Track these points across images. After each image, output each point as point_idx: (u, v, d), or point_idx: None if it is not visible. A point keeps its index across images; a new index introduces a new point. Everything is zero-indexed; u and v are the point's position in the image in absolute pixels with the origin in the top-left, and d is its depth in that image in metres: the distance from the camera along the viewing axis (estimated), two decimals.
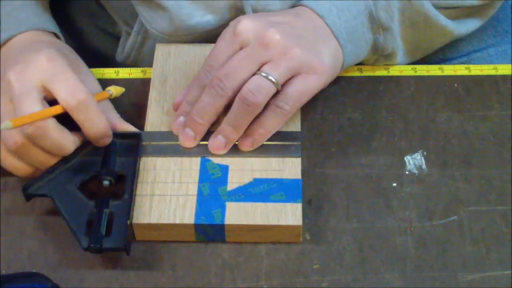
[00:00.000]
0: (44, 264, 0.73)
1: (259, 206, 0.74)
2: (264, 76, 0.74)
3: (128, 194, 0.74)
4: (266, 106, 0.75)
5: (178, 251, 0.74)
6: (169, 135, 0.79)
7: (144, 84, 0.85)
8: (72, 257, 0.74)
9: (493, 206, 0.77)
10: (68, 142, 0.74)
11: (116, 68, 0.88)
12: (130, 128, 0.79)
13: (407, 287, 0.72)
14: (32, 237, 0.75)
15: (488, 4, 0.89)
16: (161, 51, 0.86)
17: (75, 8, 1.04)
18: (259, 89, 0.74)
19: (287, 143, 0.78)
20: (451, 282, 0.72)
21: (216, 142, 0.77)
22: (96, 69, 0.87)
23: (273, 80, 0.74)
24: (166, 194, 0.75)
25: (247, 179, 0.76)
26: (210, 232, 0.74)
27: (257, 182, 0.75)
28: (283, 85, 0.75)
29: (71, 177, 0.75)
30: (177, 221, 0.73)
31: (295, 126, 0.80)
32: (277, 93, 0.75)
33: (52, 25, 0.86)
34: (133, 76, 0.87)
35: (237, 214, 0.73)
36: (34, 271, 0.72)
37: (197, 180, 0.76)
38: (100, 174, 0.75)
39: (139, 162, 0.77)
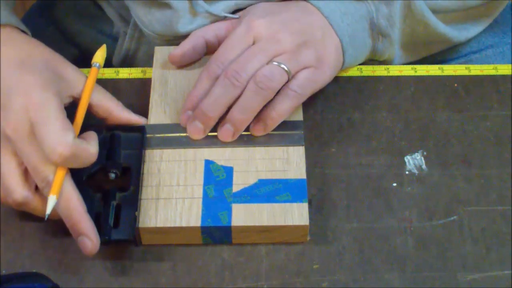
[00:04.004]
0: (44, 264, 0.73)
1: (265, 207, 0.74)
2: (277, 64, 0.76)
3: (134, 185, 0.74)
4: (278, 92, 0.77)
5: (178, 251, 0.74)
6: (173, 127, 0.79)
7: (144, 84, 0.85)
8: (72, 257, 0.74)
9: (493, 206, 0.77)
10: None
11: (116, 68, 0.88)
12: (131, 116, 0.79)
13: (407, 287, 0.72)
14: (32, 237, 0.75)
15: (487, 10, 0.90)
16: (160, 54, 0.86)
17: (73, 10, 1.04)
18: (273, 75, 0.75)
19: (290, 132, 0.79)
20: (451, 282, 0.72)
21: (225, 131, 0.77)
22: None
23: (286, 68, 0.76)
24: (171, 198, 0.74)
25: (252, 180, 0.76)
26: (217, 234, 0.74)
27: (262, 183, 0.75)
28: (294, 75, 0.77)
29: (77, 171, 0.75)
30: (184, 224, 0.73)
31: (298, 116, 0.80)
32: (288, 81, 0.77)
33: (16, 21, 0.81)
34: (133, 76, 0.87)
35: (243, 215, 0.73)
36: (34, 271, 0.72)
37: (202, 182, 0.76)
38: (106, 167, 0.76)
39: (144, 154, 0.77)
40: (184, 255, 0.74)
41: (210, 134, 0.78)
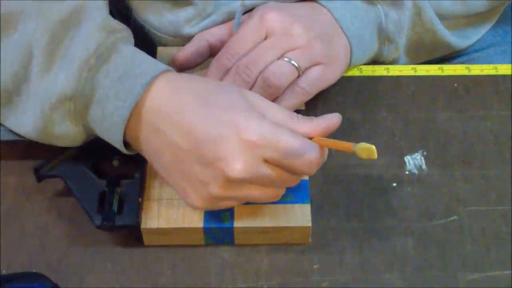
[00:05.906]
0: (44, 264, 0.73)
1: (268, 208, 0.74)
2: (287, 61, 0.76)
3: (139, 173, 0.75)
4: (286, 88, 0.76)
5: (178, 251, 0.74)
6: None
7: None
8: (72, 257, 0.74)
9: (493, 206, 0.77)
10: None
11: None
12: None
13: (407, 287, 0.72)
14: (32, 237, 0.75)
15: (488, 15, 0.90)
16: (163, 55, 0.85)
17: None
18: (281, 72, 0.75)
19: None
20: (451, 282, 0.72)
21: None
22: None
23: (296, 65, 0.76)
24: (174, 198, 0.74)
25: None
26: (219, 235, 0.74)
27: None
28: (303, 72, 0.77)
29: (82, 158, 0.76)
30: (186, 225, 0.73)
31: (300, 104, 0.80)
32: (297, 77, 0.77)
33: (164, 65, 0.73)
34: None
35: (246, 216, 0.73)
36: (34, 271, 0.72)
37: None
38: (110, 154, 0.76)
39: None
40: (184, 255, 0.74)
41: None
